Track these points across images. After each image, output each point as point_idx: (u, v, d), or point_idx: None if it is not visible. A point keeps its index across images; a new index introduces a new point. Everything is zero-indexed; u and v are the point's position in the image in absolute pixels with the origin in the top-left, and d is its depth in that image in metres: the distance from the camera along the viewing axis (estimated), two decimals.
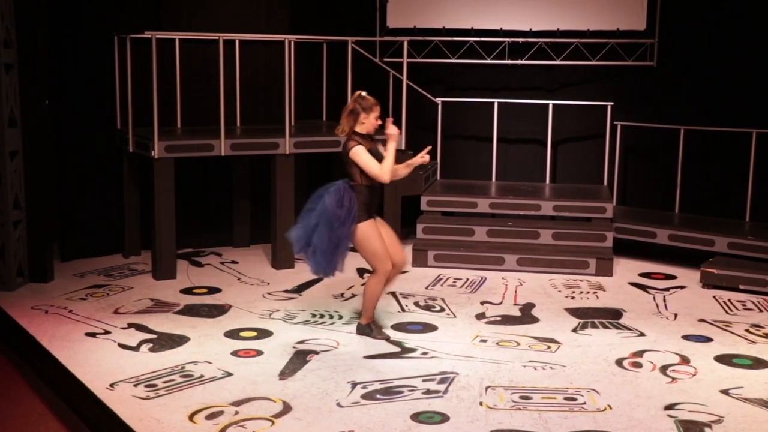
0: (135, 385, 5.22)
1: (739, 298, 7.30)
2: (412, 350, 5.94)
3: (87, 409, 4.91)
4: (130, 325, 6.34)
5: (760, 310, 6.99)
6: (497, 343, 6.09)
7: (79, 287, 7.32)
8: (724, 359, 5.83)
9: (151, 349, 5.86)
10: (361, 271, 8.00)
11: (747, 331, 6.45)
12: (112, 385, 5.20)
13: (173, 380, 5.31)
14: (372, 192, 5.95)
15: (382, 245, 5.92)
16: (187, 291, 7.29)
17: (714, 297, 7.35)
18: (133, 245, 8.34)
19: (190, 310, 6.76)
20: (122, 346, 5.92)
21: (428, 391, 5.19)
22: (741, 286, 7.47)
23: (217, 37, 7.75)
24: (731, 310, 6.99)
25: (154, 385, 5.22)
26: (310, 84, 9.07)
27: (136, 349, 5.87)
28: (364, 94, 5.97)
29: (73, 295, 7.10)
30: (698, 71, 9.06)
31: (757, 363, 5.77)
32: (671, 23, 9.20)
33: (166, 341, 6.03)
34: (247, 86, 8.61)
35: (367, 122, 5.91)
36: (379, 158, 5.88)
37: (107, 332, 6.19)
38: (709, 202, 8.92)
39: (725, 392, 5.25)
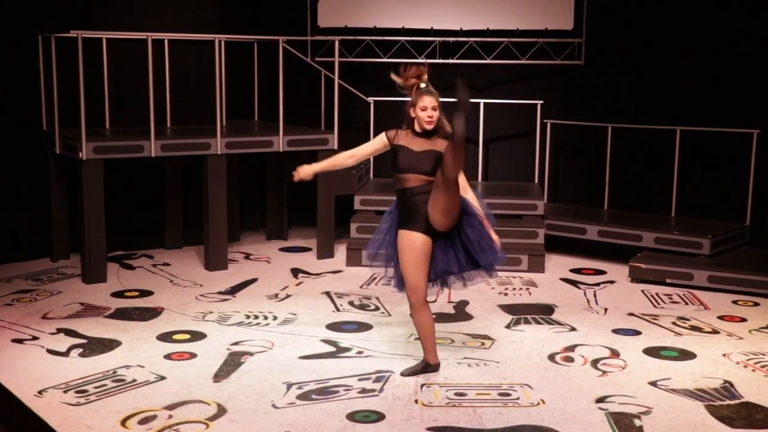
0: (65, 392, 5.11)
1: (666, 292, 7.48)
2: (347, 349, 5.94)
3: (14, 418, 4.79)
4: (59, 330, 6.20)
5: (686, 303, 7.17)
6: None
7: (4, 292, 7.13)
8: (652, 352, 5.97)
9: (82, 354, 5.74)
10: (295, 272, 7.97)
11: (673, 323, 6.61)
12: (40, 392, 5.08)
13: (105, 385, 5.21)
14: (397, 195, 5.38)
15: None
16: (118, 294, 7.17)
17: (642, 291, 7.52)
18: (62, 248, 8.16)
19: (122, 314, 6.65)
20: (51, 351, 5.78)
21: (364, 390, 5.20)
22: (667, 280, 7.66)
23: (145, 36, 7.64)
24: (658, 304, 7.15)
25: (85, 391, 5.12)
26: (241, 84, 9.02)
27: (65, 354, 5.74)
28: (422, 85, 5.38)
29: None
30: (625, 70, 9.26)
31: (683, 355, 5.92)
32: (598, 23, 9.38)
33: (97, 346, 5.91)
34: (177, 86, 8.49)
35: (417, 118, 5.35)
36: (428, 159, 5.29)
37: (35, 338, 6.05)
38: (636, 198, 9.13)
39: (653, 384, 5.38)
